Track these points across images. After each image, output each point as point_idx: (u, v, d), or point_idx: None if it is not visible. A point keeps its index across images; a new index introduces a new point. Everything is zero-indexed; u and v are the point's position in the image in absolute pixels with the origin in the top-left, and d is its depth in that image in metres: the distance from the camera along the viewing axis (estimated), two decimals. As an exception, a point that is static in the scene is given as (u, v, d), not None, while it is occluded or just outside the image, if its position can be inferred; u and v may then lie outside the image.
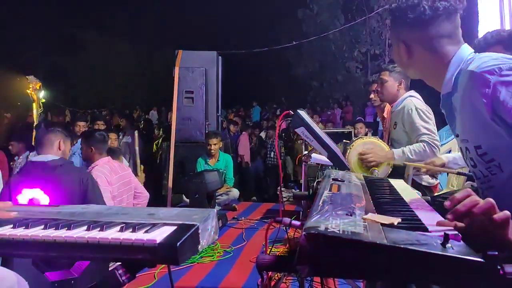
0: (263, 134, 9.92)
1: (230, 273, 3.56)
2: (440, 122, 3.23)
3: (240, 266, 3.69)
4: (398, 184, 1.74)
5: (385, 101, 3.58)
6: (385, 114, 4.21)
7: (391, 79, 3.35)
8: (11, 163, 5.54)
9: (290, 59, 18.01)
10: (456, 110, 1.28)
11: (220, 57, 7.42)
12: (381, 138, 3.64)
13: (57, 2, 17.07)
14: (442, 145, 3.45)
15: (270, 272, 1.37)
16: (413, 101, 3.18)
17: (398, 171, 3.12)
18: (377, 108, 4.26)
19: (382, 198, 1.40)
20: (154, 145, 8.41)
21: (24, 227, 1.20)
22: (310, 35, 12.33)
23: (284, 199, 6.00)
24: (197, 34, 15.69)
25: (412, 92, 3.28)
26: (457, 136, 1.34)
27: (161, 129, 9.32)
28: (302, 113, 2.23)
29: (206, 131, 6.59)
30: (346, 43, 16.57)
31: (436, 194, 3.14)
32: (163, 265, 3.48)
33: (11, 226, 1.22)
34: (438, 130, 3.18)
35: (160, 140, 8.39)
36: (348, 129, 7.48)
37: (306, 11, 17.29)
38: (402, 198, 1.39)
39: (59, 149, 3.14)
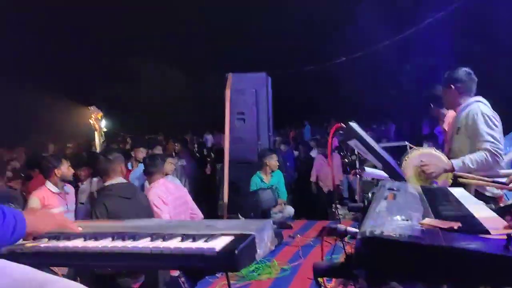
0: (313, 153, 9.82)
1: (288, 291, 3.53)
2: (504, 129, 3.09)
3: (298, 283, 3.65)
4: (458, 192, 1.68)
5: (448, 109, 3.53)
6: (445, 126, 4.09)
7: (439, 87, 3.31)
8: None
9: (340, 76, 17.89)
10: None
11: (269, 77, 7.53)
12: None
13: (112, 33, 18.13)
14: (504, 154, 3.27)
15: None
16: (480, 106, 3.07)
17: (459, 183, 2.99)
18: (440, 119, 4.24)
19: (440, 205, 1.37)
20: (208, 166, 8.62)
21: (94, 239, 1.29)
22: (359, 50, 12.23)
23: (340, 216, 5.91)
24: (247, 56, 16.00)
25: (479, 98, 3.18)
26: None
27: (211, 150, 9.52)
28: (354, 125, 2.22)
29: (258, 151, 6.67)
30: (398, 56, 16.23)
31: (502, 205, 2.98)
32: (221, 284, 3.53)
33: (82, 239, 1.31)
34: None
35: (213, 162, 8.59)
36: (403, 143, 7.25)
37: (353, 27, 17.20)
38: (462, 204, 1.35)
39: (122, 173, 3.39)
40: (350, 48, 13.78)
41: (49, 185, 4.04)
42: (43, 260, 1.29)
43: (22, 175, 7.04)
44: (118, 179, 3.39)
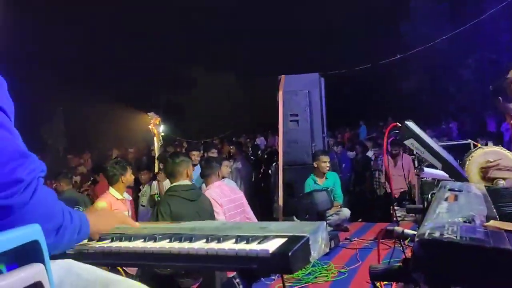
0: (370, 153, 9.57)
1: (345, 294, 3.47)
2: None
3: (356, 287, 3.58)
4: (528, 193, 1.57)
5: None
6: None
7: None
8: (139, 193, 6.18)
9: (395, 74, 17.34)
10: None
11: (322, 78, 7.45)
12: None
13: (168, 44, 18.83)
14: None
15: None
16: None
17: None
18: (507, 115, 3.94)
19: (506, 206, 1.29)
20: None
21: (153, 240, 1.34)
22: (415, 46, 11.78)
23: (399, 218, 5.71)
24: (299, 57, 15.96)
25: None
26: None
27: (264, 153, 9.58)
28: (411, 124, 2.14)
29: (312, 152, 6.61)
30: (456, 51, 15.48)
31: None
32: (277, 286, 3.54)
33: (142, 240, 1.37)
34: None
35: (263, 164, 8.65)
36: (466, 141, 6.85)
37: (408, 22, 16.63)
38: (531, 205, 1.27)
39: (187, 176, 3.56)
40: (405, 44, 13.29)
41: (113, 191, 4.13)
42: (105, 260, 1.36)
43: (92, 178, 7.48)
44: (184, 182, 3.54)
